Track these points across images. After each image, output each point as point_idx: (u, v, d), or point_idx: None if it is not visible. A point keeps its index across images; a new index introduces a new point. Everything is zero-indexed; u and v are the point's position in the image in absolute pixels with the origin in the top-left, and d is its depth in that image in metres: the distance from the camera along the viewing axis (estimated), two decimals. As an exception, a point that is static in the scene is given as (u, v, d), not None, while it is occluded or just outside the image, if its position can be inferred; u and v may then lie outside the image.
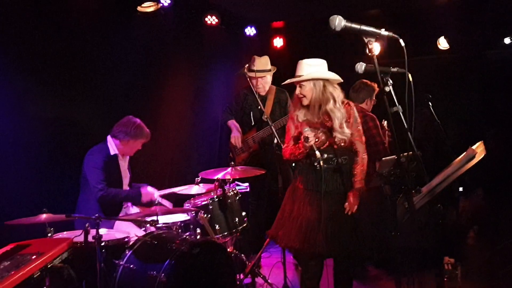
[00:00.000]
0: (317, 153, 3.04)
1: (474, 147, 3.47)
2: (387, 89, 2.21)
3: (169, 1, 4.89)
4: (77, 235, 3.18)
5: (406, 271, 3.88)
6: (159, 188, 4.13)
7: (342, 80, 3.33)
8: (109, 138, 3.90)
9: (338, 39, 6.04)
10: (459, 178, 3.53)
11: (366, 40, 2.04)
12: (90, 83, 4.51)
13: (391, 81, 2.46)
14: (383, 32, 2.09)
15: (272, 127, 3.90)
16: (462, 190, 5.10)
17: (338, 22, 2.01)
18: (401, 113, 2.48)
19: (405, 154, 2.84)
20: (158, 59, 5.29)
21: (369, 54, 2.01)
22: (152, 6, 4.74)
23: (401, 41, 2.12)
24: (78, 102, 4.38)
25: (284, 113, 4.65)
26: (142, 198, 3.88)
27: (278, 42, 6.74)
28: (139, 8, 4.75)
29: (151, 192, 3.94)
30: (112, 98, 4.61)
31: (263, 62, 4.63)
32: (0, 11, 3.75)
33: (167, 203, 4.01)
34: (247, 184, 4.88)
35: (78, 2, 4.32)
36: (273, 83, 4.79)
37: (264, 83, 4.64)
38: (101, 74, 4.61)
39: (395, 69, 2.65)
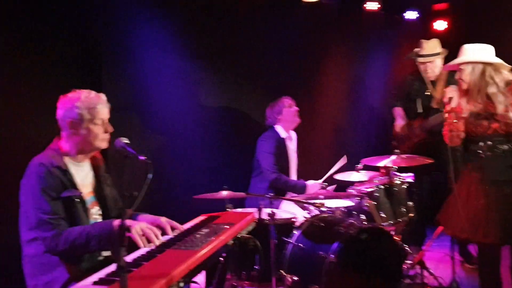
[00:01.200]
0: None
1: None
2: None
3: (332, -11, 4.93)
4: (252, 212, 3.43)
5: None
6: (316, 174, 4.31)
7: (508, 66, 3.13)
8: (276, 125, 4.29)
9: (507, 20, 5.51)
10: None
11: None
12: (257, 72, 4.79)
13: None
14: None
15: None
16: None
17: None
18: None
19: None
20: (319, 47, 5.39)
21: None
22: (316, -6, 4.83)
23: None
24: (247, 91, 4.70)
25: None
26: (307, 191, 4.12)
27: (440, 25, 6.36)
28: (304, -3, 4.88)
29: (315, 185, 4.14)
30: (276, 86, 4.82)
31: (431, 46, 4.42)
32: (178, 9, 4.15)
33: (331, 187, 4.12)
34: (409, 174, 4.75)
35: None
36: None
37: (433, 67, 4.42)
38: (267, 64, 4.86)
39: None
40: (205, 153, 4.24)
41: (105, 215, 2.56)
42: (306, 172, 4.60)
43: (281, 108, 4.26)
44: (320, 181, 4.18)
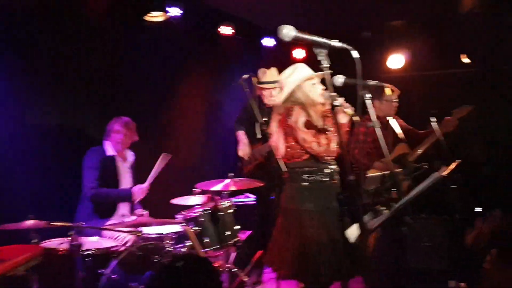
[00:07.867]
0: None
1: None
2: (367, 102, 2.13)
3: (180, 12, 4.87)
4: (63, 242, 3.20)
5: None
6: (168, 194, 4.16)
7: None
8: (105, 141, 4.04)
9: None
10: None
11: (316, 51, 1.94)
12: (97, 91, 4.58)
13: (369, 95, 2.40)
14: (334, 43, 1.97)
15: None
16: (480, 210, 4.80)
17: (286, 31, 1.93)
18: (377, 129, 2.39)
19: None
20: (170, 68, 5.31)
21: (320, 66, 1.91)
22: (160, 16, 4.74)
23: (354, 53, 2.00)
24: (81, 110, 4.47)
25: None
26: (134, 196, 3.96)
27: (298, 53, 6.64)
28: (146, 18, 4.76)
29: (142, 189, 4.00)
30: (120, 107, 4.64)
31: (270, 74, 4.59)
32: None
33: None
34: (251, 198, 4.83)
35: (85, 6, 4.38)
36: None
37: (269, 95, 4.58)
38: (109, 83, 4.68)
39: (373, 83, 2.55)
40: (20, 177, 3.84)
41: None
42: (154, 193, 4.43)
43: (112, 131, 4.04)
44: (146, 184, 4.02)
